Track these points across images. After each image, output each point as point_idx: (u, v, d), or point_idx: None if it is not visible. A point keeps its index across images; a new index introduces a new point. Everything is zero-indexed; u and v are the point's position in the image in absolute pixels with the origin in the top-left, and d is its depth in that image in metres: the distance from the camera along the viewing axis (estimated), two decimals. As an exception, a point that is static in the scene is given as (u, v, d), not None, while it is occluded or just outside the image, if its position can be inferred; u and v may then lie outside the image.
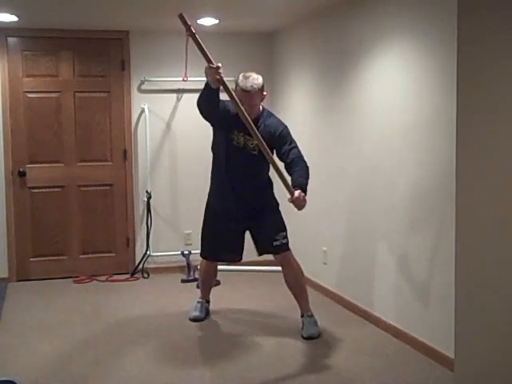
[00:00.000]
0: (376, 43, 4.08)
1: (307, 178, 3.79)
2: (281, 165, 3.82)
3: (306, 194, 3.71)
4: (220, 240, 4.07)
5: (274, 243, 3.94)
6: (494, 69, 2.47)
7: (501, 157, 2.45)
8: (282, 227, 4.00)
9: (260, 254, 4.07)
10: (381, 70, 4.06)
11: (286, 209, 4.02)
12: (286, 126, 3.93)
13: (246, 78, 3.77)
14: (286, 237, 3.99)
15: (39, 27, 5.32)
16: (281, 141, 3.85)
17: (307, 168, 3.83)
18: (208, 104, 3.73)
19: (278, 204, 4.08)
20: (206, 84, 3.64)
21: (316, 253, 5.04)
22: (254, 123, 3.72)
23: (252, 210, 3.97)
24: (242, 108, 3.58)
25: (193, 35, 3.42)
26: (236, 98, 3.58)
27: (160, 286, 5.37)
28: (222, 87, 3.57)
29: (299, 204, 3.68)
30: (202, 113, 3.80)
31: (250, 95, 3.75)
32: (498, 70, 2.44)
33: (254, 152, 3.84)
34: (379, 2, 4.03)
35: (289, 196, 3.66)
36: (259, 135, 3.62)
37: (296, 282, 4.03)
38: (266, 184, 4.07)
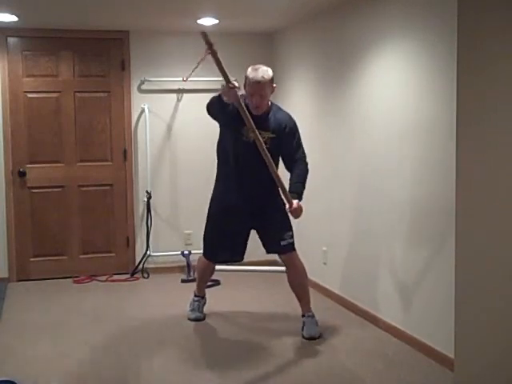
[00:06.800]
0: (376, 43, 4.08)
1: (305, 181, 3.88)
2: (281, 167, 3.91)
3: (301, 199, 3.81)
4: (223, 240, 4.05)
5: (282, 243, 3.94)
6: (493, 69, 2.47)
7: (501, 156, 2.45)
8: (289, 227, 3.99)
9: (268, 252, 4.11)
10: (381, 70, 4.06)
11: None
12: (295, 122, 3.95)
13: (255, 69, 3.77)
14: (292, 236, 3.99)
15: (39, 27, 5.31)
16: (290, 136, 3.88)
17: (307, 171, 3.92)
18: (218, 111, 3.79)
19: (284, 204, 4.01)
20: (220, 97, 3.63)
21: (316, 253, 5.04)
22: (264, 117, 3.80)
23: (259, 208, 3.96)
24: (248, 116, 3.59)
25: (214, 53, 3.38)
26: (245, 110, 3.58)
27: (160, 286, 5.37)
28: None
29: (297, 214, 3.80)
30: (210, 115, 3.87)
31: (261, 86, 3.74)
32: (498, 70, 2.44)
33: (266, 146, 3.77)
34: (379, 3, 4.03)
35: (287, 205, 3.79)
36: (262, 141, 3.63)
37: (299, 283, 4.02)
38: (274, 182, 3.95)
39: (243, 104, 3.61)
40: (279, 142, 3.85)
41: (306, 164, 3.93)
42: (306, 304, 4.02)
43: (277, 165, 3.90)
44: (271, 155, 3.68)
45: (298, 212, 3.79)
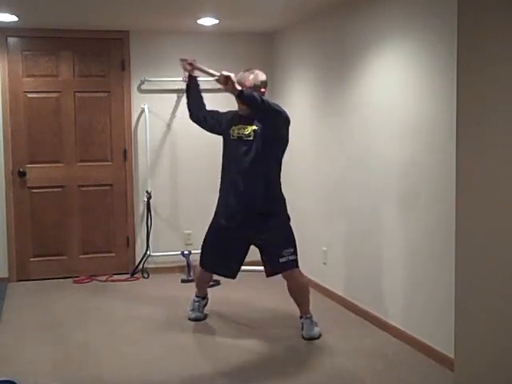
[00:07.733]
0: (376, 43, 4.08)
1: (257, 96, 3.59)
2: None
3: (243, 93, 3.53)
4: (220, 256, 4.01)
5: (280, 260, 3.80)
6: (493, 69, 2.47)
7: (501, 156, 2.45)
8: (290, 243, 3.85)
9: (269, 274, 3.97)
10: (381, 70, 4.06)
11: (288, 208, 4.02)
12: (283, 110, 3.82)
13: (244, 71, 3.88)
14: (293, 253, 3.83)
15: (39, 27, 5.32)
16: None
17: (262, 99, 3.62)
18: (195, 105, 4.12)
19: (288, 218, 3.95)
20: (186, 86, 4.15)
21: (316, 253, 5.04)
22: (252, 117, 3.79)
23: (260, 215, 3.84)
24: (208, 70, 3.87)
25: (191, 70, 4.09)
26: (209, 70, 3.86)
27: (160, 286, 5.37)
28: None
29: (224, 82, 3.53)
30: (197, 122, 4.20)
31: (241, 85, 3.71)
32: (498, 70, 2.44)
33: (250, 138, 3.79)
34: (379, 3, 4.03)
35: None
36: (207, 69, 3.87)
37: (299, 295, 3.95)
38: (273, 187, 3.90)
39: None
40: (264, 129, 3.78)
41: (272, 103, 3.70)
42: (304, 308, 3.97)
43: (275, 168, 3.89)
44: (261, 147, 3.77)
45: (224, 80, 3.51)
